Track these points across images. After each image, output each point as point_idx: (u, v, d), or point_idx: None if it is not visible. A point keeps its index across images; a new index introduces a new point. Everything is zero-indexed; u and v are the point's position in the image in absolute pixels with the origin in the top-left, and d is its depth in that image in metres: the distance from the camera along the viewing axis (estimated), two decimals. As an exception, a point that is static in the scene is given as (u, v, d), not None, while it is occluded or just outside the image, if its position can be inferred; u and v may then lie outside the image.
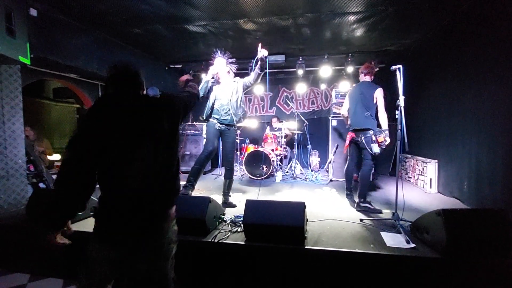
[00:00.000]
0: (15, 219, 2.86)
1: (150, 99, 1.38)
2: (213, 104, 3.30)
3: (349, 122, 3.66)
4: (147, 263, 1.31)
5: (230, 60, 3.39)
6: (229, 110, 3.31)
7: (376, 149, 3.22)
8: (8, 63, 3.09)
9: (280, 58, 5.43)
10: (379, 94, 3.31)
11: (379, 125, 3.31)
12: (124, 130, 1.23)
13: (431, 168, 4.22)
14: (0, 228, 2.72)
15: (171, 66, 6.26)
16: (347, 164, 3.68)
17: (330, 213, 3.14)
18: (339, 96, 5.49)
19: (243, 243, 2.30)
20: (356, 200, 3.36)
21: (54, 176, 4.12)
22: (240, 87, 3.38)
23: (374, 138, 3.23)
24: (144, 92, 1.44)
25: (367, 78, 3.53)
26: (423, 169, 4.44)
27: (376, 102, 3.32)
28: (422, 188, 4.42)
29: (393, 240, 2.33)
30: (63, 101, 7.65)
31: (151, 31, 4.26)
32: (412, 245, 2.20)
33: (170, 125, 1.35)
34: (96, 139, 1.19)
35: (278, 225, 2.23)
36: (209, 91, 3.33)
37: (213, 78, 3.30)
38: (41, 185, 3.70)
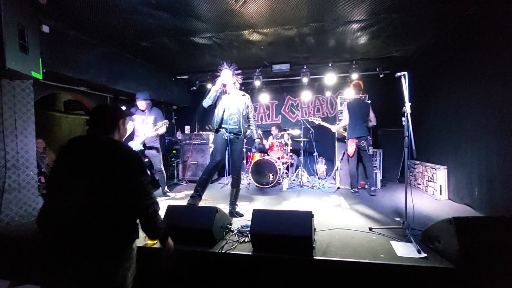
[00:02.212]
0: (26, 230, 2.91)
1: (110, 148, 1.44)
2: (223, 114, 3.35)
3: (345, 132, 4.69)
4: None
5: (236, 72, 3.47)
6: (238, 119, 3.36)
7: (371, 150, 4.48)
8: (21, 78, 3.20)
9: (285, 66, 5.49)
10: (371, 110, 4.57)
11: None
12: (73, 163, 1.39)
13: (441, 174, 4.14)
14: (12, 240, 2.77)
15: (178, 77, 6.38)
16: (352, 165, 4.56)
17: (338, 221, 3.10)
18: (344, 103, 5.48)
19: (250, 253, 2.28)
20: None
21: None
22: (250, 106, 3.54)
23: (370, 142, 4.46)
24: (124, 124, 1.62)
25: (358, 96, 4.69)
26: (432, 175, 4.36)
27: (369, 116, 4.54)
28: (432, 195, 4.33)
29: (404, 249, 2.28)
30: (73, 113, 7.83)
31: (158, 44, 4.37)
32: (424, 255, 2.15)
33: (113, 182, 1.38)
34: (57, 168, 1.41)
35: (286, 235, 2.21)
36: (217, 99, 3.39)
37: (220, 88, 3.38)
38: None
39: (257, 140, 3.72)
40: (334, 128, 5.03)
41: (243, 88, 3.80)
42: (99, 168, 1.38)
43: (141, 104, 4.22)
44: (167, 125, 4.37)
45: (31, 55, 2.79)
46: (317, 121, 5.19)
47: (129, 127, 4.24)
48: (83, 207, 1.32)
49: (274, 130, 6.30)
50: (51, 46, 3.48)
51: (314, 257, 2.17)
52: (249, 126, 3.56)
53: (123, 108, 4.31)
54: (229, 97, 3.40)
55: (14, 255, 2.71)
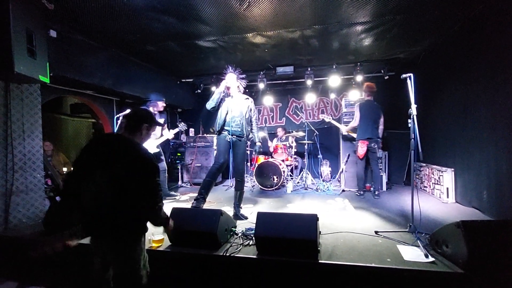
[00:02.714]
0: (34, 232, 2.94)
1: (127, 147, 1.60)
2: (226, 116, 3.36)
3: (354, 133, 4.67)
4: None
5: (241, 76, 3.50)
6: (240, 122, 3.37)
7: (380, 153, 4.50)
8: (29, 82, 3.26)
9: (289, 69, 5.48)
10: (382, 113, 4.50)
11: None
12: (91, 160, 1.55)
13: (447, 177, 4.08)
14: (19, 241, 2.80)
15: (183, 80, 6.42)
16: (360, 167, 4.49)
17: (343, 225, 3.07)
18: (349, 105, 5.45)
19: (255, 256, 2.27)
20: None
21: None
22: (253, 110, 3.57)
23: (380, 145, 4.47)
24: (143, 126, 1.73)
25: (370, 98, 4.56)
26: (439, 178, 4.30)
27: (380, 119, 4.48)
28: (439, 197, 4.27)
29: (411, 253, 2.25)
30: (79, 116, 7.93)
31: (164, 48, 4.41)
32: (431, 259, 2.12)
33: (126, 177, 1.53)
34: (80, 162, 1.57)
35: (291, 238, 2.19)
36: (220, 102, 3.40)
37: (223, 91, 3.40)
38: (58, 198, 3.80)
39: (258, 144, 3.75)
40: (343, 128, 4.98)
41: (247, 90, 3.82)
42: (113, 163, 1.53)
43: (162, 105, 4.33)
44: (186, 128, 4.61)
45: (39, 59, 2.84)
46: (328, 118, 5.15)
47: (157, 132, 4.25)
48: (100, 198, 1.51)
49: (280, 132, 6.30)
50: (58, 50, 3.53)
51: (320, 261, 2.15)
52: (251, 129, 3.58)
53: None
54: (233, 100, 3.42)
55: (22, 257, 2.73)
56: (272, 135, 6.68)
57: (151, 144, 4.19)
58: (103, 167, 1.51)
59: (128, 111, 4.12)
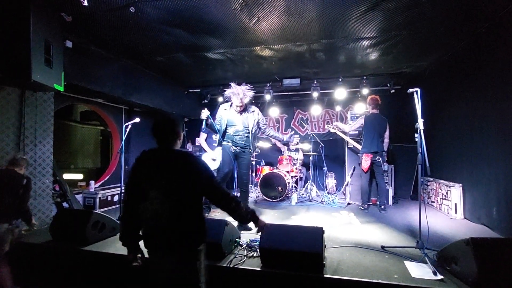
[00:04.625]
0: (40, 238, 2.96)
1: (177, 157, 1.61)
2: (226, 129, 3.39)
3: (359, 145, 4.72)
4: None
5: (248, 89, 3.49)
6: (244, 135, 3.41)
7: (386, 167, 4.48)
8: (43, 90, 3.36)
9: (295, 81, 5.55)
10: (388, 127, 4.49)
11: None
12: (149, 175, 1.56)
13: (455, 192, 4.02)
14: (25, 247, 2.81)
15: (190, 90, 6.53)
16: (364, 180, 4.50)
17: (349, 238, 3.03)
18: (355, 117, 5.46)
19: (259, 269, 2.25)
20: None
21: (77, 196, 4.27)
22: (261, 119, 3.61)
23: (385, 158, 4.47)
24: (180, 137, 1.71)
25: (376, 111, 4.55)
26: (446, 193, 4.24)
27: (385, 132, 4.48)
28: (447, 213, 4.19)
29: (419, 270, 2.20)
30: (88, 123, 8.09)
31: (173, 59, 4.52)
32: (440, 277, 2.07)
33: (187, 185, 1.56)
34: (135, 180, 1.58)
35: (296, 251, 2.17)
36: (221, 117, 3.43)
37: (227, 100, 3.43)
38: (65, 204, 3.84)
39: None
40: (347, 127, 4.88)
41: (253, 102, 3.86)
42: (182, 179, 1.55)
43: None
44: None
45: (55, 68, 2.94)
46: (333, 129, 5.11)
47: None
48: (167, 213, 1.51)
49: (296, 139, 6.35)
50: (73, 60, 3.64)
51: (325, 275, 2.12)
52: (269, 135, 3.75)
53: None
54: (237, 115, 3.45)
55: (27, 262, 2.75)
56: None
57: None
58: (162, 182, 1.53)
59: (137, 119, 4.15)
